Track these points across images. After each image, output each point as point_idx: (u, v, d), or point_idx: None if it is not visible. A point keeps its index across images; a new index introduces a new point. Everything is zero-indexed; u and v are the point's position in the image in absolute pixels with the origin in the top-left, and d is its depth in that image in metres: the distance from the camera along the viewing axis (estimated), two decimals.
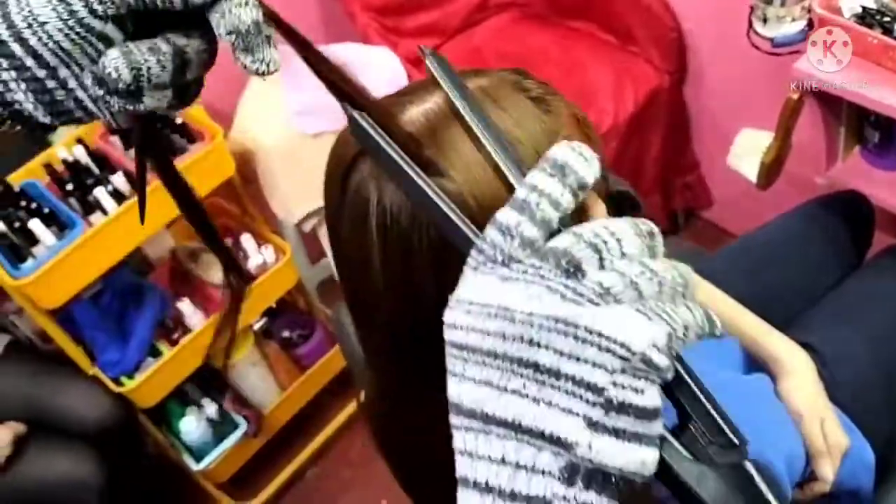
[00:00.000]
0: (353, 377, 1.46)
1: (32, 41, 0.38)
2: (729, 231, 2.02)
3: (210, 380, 1.77)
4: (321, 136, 1.55)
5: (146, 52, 0.38)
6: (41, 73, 0.39)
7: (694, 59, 1.79)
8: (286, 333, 1.87)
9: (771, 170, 1.46)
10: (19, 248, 1.35)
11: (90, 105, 0.40)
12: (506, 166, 0.41)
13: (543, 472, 0.32)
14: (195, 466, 1.70)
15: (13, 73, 0.39)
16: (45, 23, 0.38)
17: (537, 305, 0.32)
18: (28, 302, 1.39)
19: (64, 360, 1.59)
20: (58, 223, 1.40)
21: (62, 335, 1.49)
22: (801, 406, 0.91)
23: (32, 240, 1.36)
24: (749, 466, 0.36)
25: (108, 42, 0.38)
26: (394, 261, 0.49)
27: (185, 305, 1.60)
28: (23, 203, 1.42)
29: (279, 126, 1.57)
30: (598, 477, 0.32)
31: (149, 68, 0.38)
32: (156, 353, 1.60)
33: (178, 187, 0.50)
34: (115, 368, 1.55)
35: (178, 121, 1.49)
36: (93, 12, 0.37)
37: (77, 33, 0.38)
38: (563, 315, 0.32)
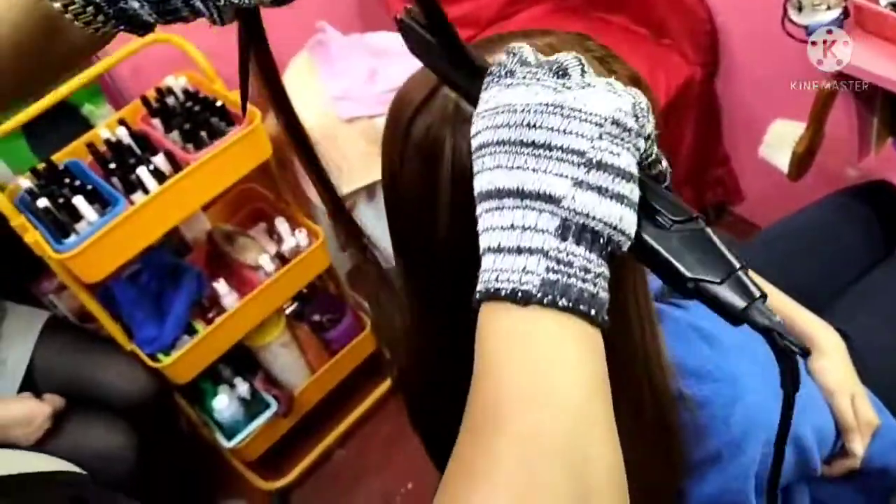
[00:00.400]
0: (386, 351, 1.48)
1: None
2: (760, 226, 2.02)
3: (243, 360, 1.80)
4: (356, 121, 1.58)
5: None
6: None
7: (726, 51, 1.79)
8: (316, 317, 1.90)
9: (803, 160, 1.46)
10: (63, 224, 1.39)
11: (197, 2, 0.41)
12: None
13: (543, 231, 0.39)
14: (226, 444, 1.74)
15: None
16: None
17: (534, 98, 0.41)
18: (70, 276, 1.42)
19: (101, 338, 1.63)
20: (100, 201, 1.43)
21: (101, 311, 1.53)
22: (832, 383, 0.92)
23: (76, 216, 1.40)
24: (709, 232, 0.43)
25: None
26: (464, 204, 0.50)
27: (221, 286, 1.63)
28: (66, 181, 1.46)
29: (315, 111, 1.60)
30: (586, 235, 0.40)
31: None
32: (192, 332, 1.63)
33: (276, 88, 0.52)
34: (153, 345, 1.59)
35: (218, 103, 1.52)
36: None
37: None
38: (553, 100, 0.40)
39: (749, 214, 2.09)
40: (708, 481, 0.75)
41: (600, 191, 0.39)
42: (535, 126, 0.40)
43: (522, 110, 0.40)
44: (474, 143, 0.43)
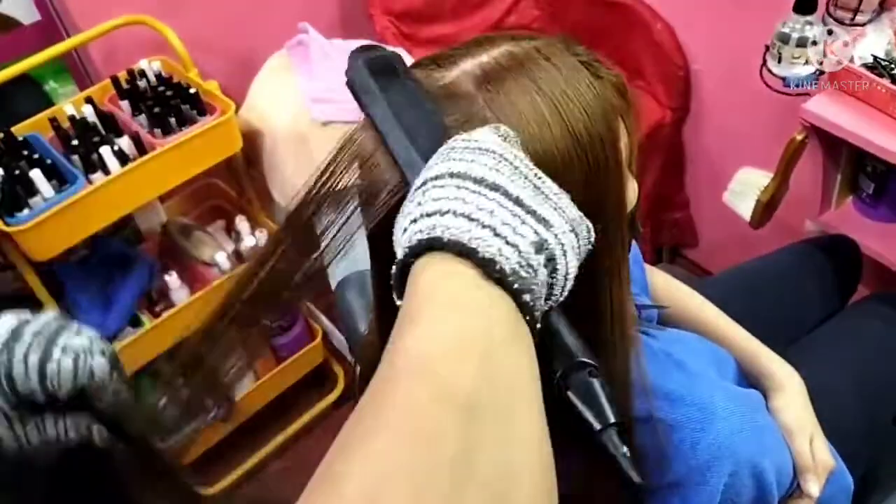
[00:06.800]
0: (352, 352, 1.45)
1: None
2: (712, 273, 2.06)
3: None
4: (330, 125, 1.56)
5: None
6: None
7: (698, 98, 1.83)
8: (267, 322, 1.85)
9: (766, 210, 1.49)
10: (18, 198, 1.33)
11: None
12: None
13: (522, 236, 0.41)
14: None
15: None
16: None
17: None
18: (17, 252, 1.36)
19: None
20: (58, 177, 1.38)
21: (44, 291, 1.46)
22: (792, 422, 0.93)
23: (31, 191, 1.34)
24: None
25: None
26: None
27: (173, 279, 1.58)
28: (25, 153, 1.41)
29: (290, 110, 1.57)
30: (550, 263, 0.41)
31: None
32: (137, 324, 1.58)
33: None
34: None
35: (192, 90, 1.49)
36: None
37: None
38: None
39: (702, 260, 2.14)
40: None
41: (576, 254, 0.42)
42: (540, 177, 0.43)
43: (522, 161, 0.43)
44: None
